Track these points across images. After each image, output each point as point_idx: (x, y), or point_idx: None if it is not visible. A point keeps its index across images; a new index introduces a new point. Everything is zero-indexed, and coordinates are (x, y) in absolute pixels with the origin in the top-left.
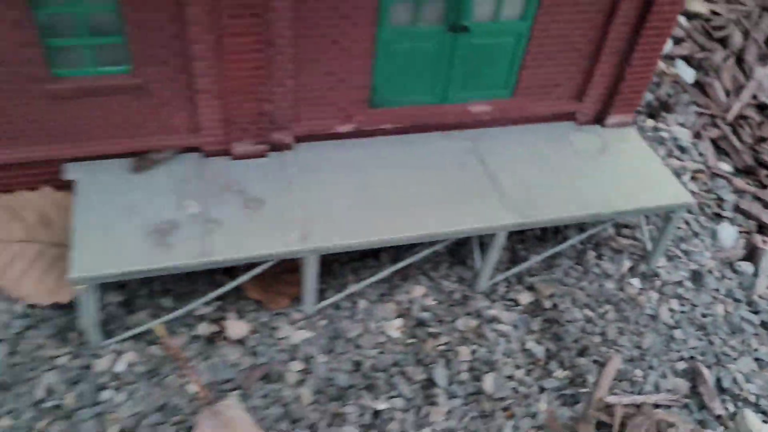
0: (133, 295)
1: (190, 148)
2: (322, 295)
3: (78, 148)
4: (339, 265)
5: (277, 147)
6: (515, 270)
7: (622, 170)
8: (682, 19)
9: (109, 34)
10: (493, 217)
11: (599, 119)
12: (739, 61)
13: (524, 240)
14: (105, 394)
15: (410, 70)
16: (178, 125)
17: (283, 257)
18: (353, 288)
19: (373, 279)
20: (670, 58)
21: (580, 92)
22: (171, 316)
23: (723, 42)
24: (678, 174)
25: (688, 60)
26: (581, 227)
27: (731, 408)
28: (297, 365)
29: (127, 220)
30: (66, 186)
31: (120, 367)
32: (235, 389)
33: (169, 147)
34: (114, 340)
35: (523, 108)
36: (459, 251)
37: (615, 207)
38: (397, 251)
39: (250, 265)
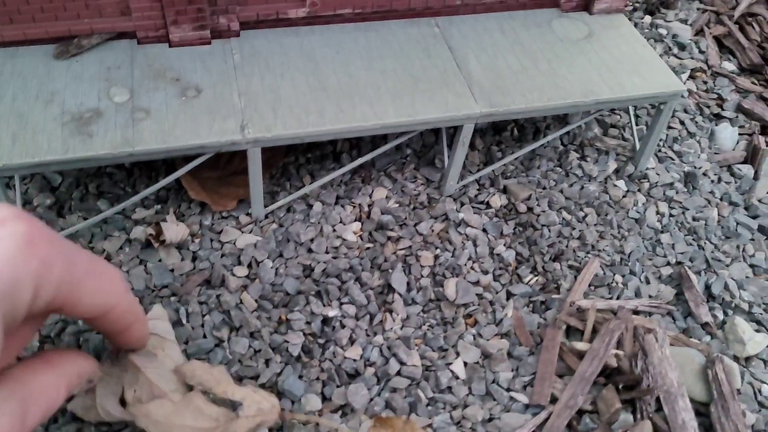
0: (65, 197)
1: (122, 34)
2: (273, 197)
3: None
4: (295, 167)
5: (222, 34)
6: (487, 170)
7: (608, 58)
8: None
9: None
10: (459, 106)
11: (586, 5)
12: None
13: (501, 141)
14: None
15: None
16: (107, 6)
17: (217, 149)
18: (306, 189)
19: (327, 178)
20: None
21: None
22: (102, 215)
23: None
24: (675, 72)
25: None
26: (564, 125)
27: (720, 316)
28: (241, 270)
29: (43, 108)
30: None
31: None
32: (172, 295)
33: (98, 32)
34: None
35: None
36: (427, 152)
37: (597, 96)
38: (359, 153)
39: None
